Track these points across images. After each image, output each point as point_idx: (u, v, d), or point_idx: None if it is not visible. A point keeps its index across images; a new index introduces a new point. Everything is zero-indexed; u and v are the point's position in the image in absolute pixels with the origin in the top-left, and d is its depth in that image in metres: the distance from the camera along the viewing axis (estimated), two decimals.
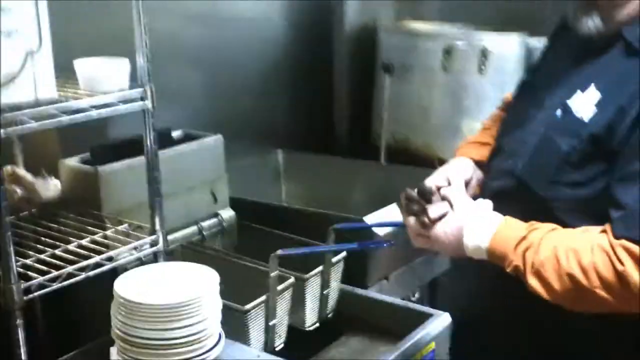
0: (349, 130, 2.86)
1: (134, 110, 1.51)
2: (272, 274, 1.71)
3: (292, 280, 1.77)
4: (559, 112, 1.47)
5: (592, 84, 1.43)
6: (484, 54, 2.52)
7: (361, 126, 2.88)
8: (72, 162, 1.83)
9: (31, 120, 1.31)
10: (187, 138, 2.09)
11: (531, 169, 1.48)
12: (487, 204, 1.54)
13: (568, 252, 1.35)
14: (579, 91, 1.45)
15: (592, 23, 1.45)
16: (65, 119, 1.37)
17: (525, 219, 1.47)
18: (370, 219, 2.01)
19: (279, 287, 1.73)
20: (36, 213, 1.77)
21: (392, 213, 2.03)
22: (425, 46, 2.60)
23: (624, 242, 1.32)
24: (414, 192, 1.60)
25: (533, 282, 1.39)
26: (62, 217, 1.75)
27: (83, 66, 1.52)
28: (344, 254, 1.92)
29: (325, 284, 1.89)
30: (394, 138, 2.73)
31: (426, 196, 1.58)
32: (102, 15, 2.04)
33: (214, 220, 2.08)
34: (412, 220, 1.59)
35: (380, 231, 1.96)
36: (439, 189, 1.62)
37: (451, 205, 1.55)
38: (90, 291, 1.60)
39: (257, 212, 2.16)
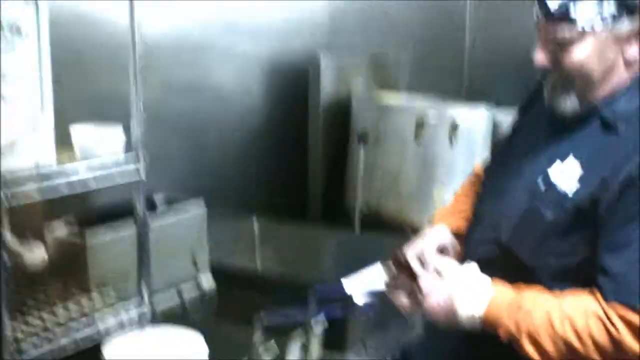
0: (323, 198, 2.93)
1: (127, 177, 1.56)
2: (255, 339, 1.75)
3: (274, 345, 1.80)
4: (541, 182, 1.50)
5: (571, 154, 1.48)
6: (454, 126, 2.63)
7: (335, 194, 2.95)
8: (59, 228, 1.86)
9: (33, 186, 1.34)
10: (168, 202, 2.13)
11: (517, 238, 1.51)
12: (473, 267, 1.55)
13: (562, 319, 1.38)
14: (558, 160, 1.50)
15: (569, 103, 1.50)
16: (64, 188, 1.41)
17: (510, 285, 1.50)
18: (348, 280, 2.05)
19: (261, 351, 1.76)
20: (22, 279, 1.78)
21: (371, 275, 2.08)
22: (397, 118, 2.71)
23: (617, 307, 1.35)
24: (409, 261, 1.62)
25: (528, 348, 1.41)
26: (47, 284, 1.76)
27: (79, 132, 1.57)
28: (323, 319, 1.95)
29: (305, 349, 1.92)
30: (367, 206, 2.80)
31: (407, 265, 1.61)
32: (95, 82, 2.11)
33: (193, 285, 2.10)
34: (404, 300, 1.59)
35: (360, 296, 2.00)
36: (418, 257, 1.65)
37: (439, 273, 1.56)
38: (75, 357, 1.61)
39: (236, 279, 2.20)
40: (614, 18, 1.42)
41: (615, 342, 1.35)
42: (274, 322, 1.79)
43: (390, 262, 1.65)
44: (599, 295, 1.39)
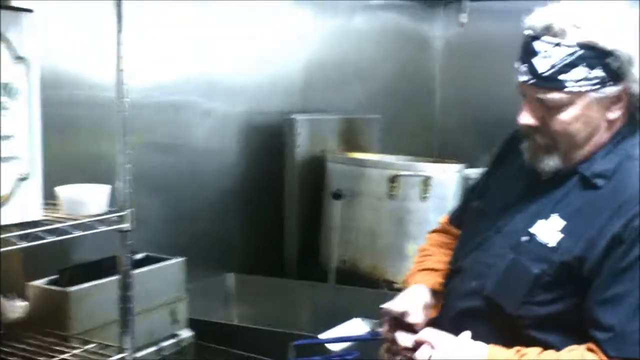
0: (298, 254, 2.98)
1: (113, 225, 1.60)
2: None
3: None
4: (524, 239, 1.53)
5: (554, 215, 1.52)
6: (426, 182, 2.71)
7: (310, 250, 3.00)
8: (42, 283, 1.88)
9: (21, 241, 1.38)
10: (148, 260, 2.17)
11: (501, 290, 1.53)
12: (466, 335, 1.53)
13: None
14: (541, 220, 1.53)
15: (552, 163, 1.53)
16: (50, 239, 1.45)
17: (495, 335, 1.51)
18: (327, 335, 2.09)
19: None
20: (2, 334, 1.79)
21: (348, 330, 2.12)
22: (371, 175, 2.78)
23: None
24: (403, 338, 1.59)
25: None
26: (29, 338, 1.77)
27: (65, 191, 1.61)
28: None
29: None
30: (342, 262, 2.85)
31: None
32: (79, 141, 2.17)
33: (173, 341, 2.13)
34: None
35: (338, 347, 2.04)
36: (402, 315, 1.63)
37: (432, 347, 1.52)
38: None
39: (214, 332, 2.22)
40: (601, 83, 1.46)
41: None
42: None
43: (385, 326, 1.65)
44: (599, 352, 1.42)
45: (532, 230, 1.53)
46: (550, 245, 1.50)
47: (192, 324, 2.20)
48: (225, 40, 2.75)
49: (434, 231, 1.95)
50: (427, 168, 2.78)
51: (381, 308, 1.66)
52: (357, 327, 2.21)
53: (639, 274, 1.42)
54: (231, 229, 2.88)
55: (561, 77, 1.46)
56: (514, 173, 1.68)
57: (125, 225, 1.64)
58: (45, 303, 1.85)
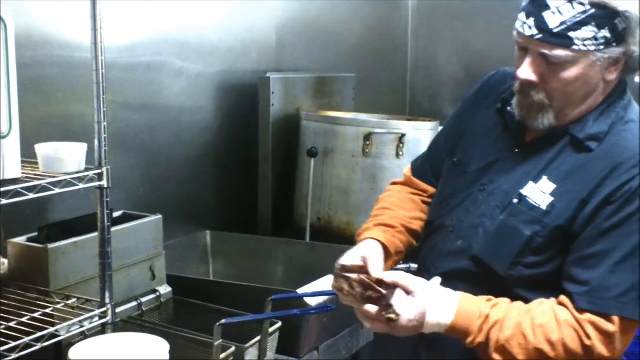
0: (273, 212, 3.01)
1: (90, 183, 1.63)
2: (216, 343, 1.82)
3: (233, 349, 1.88)
4: (516, 202, 1.55)
5: (544, 177, 1.54)
6: (400, 139, 2.75)
7: (285, 208, 3.04)
8: (21, 240, 1.91)
9: (1, 198, 1.40)
10: (126, 218, 2.20)
11: (491, 251, 1.56)
12: (437, 281, 1.56)
13: (535, 328, 1.45)
14: (531, 182, 1.55)
15: (546, 121, 1.55)
16: (31, 195, 1.47)
17: (482, 294, 1.53)
18: (304, 290, 2.14)
19: (221, 356, 1.84)
20: None
21: (325, 285, 2.17)
22: (345, 132, 2.81)
23: (589, 316, 1.43)
24: (369, 279, 1.55)
25: (496, 356, 1.46)
26: (10, 294, 1.80)
27: (43, 149, 1.63)
28: (279, 324, 2.04)
29: (262, 354, 2.00)
30: (317, 219, 2.89)
31: (374, 284, 1.54)
32: (53, 101, 2.18)
33: (152, 296, 2.17)
34: (372, 309, 1.52)
35: (315, 301, 2.09)
36: (361, 268, 1.61)
37: (407, 292, 1.51)
38: None
39: (191, 288, 2.26)
40: (606, 44, 1.48)
41: (587, 349, 1.42)
42: (234, 323, 1.87)
43: (339, 278, 1.61)
44: (570, 305, 1.46)
45: (523, 191, 1.55)
46: (540, 206, 1.52)
47: (170, 280, 2.24)
48: (196, 0, 2.75)
49: (395, 183, 1.94)
50: (401, 126, 2.82)
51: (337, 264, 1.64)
52: (332, 282, 2.26)
53: (624, 234, 1.45)
54: (206, 187, 2.91)
55: (571, 34, 1.46)
56: (492, 126, 1.68)
57: (103, 182, 1.66)
58: (26, 260, 1.87)
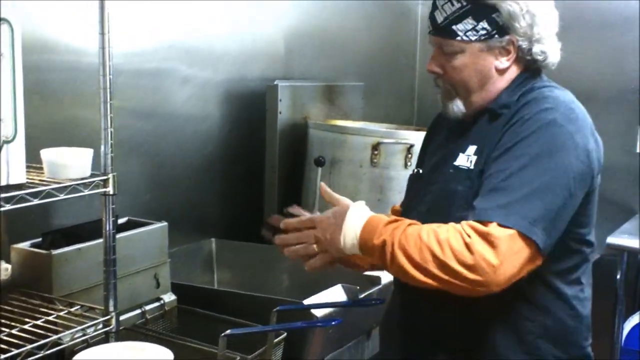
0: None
1: (95, 189, 1.62)
2: (220, 354, 1.80)
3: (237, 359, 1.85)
4: (451, 170, 1.76)
5: (470, 145, 1.75)
6: (408, 150, 2.73)
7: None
8: (25, 246, 1.89)
9: (6, 204, 1.39)
10: (131, 225, 2.18)
11: (434, 208, 1.77)
12: (360, 204, 1.76)
13: (429, 232, 1.61)
14: (460, 153, 1.76)
15: (456, 108, 1.79)
16: (35, 201, 1.46)
17: None
18: (310, 301, 2.12)
19: None
20: None
21: (330, 297, 2.15)
22: (353, 142, 2.79)
23: (471, 222, 1.59)
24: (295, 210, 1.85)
25: (398, 254, 1.61)
26: (13, 300, 1.79)
27: (49, 155, 1.61)
28: (284, 335, 2.02)
29: None
30: None
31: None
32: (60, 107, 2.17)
33: (156, 304, 2.14)
34: (300, 247, 1.82)
35: (321, 312, 2.07)
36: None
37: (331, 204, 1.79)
38: None
39: (196, 296, 2.24)
40: (488, 34, 1.71)
41: (467, 246, 1.55)
42: (239, 335, 1.84)
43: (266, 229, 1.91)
44: (476, 224, 1.60)
45: (455, 163, 1.76)
46: (470, 167, 1.72)
47: (175, 288, 2.22)
48: (205, 7, 2.74)
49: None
50: (410, 136, 2.79)
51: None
52: (339, 294, 2.23)
53: (512, 158, 1.62)
54: (212, 195, 2.89)
55: (453, 27, 1.72)
56: (441, 135, 1.91)
57: (109, 189, 1.64)
58: (30, 266, 1.86)
